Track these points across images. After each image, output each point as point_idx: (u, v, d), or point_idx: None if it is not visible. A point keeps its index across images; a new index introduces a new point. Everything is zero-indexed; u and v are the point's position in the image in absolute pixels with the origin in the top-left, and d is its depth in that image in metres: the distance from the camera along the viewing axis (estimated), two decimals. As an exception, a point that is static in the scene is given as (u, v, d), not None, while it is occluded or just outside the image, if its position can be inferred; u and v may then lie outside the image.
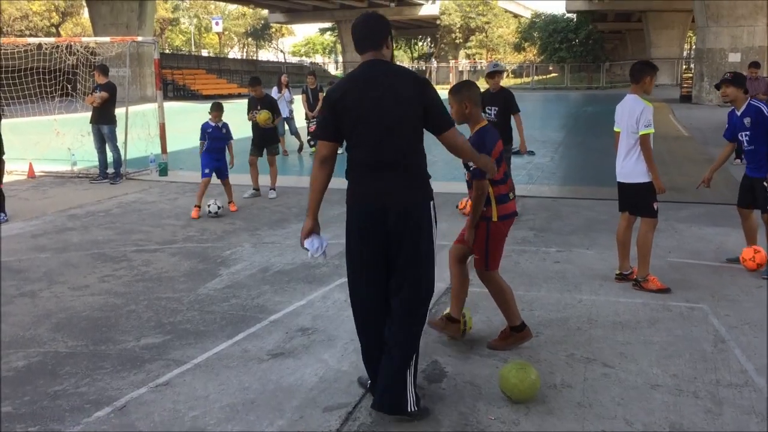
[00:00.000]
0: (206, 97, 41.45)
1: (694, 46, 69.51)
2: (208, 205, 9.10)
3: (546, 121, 24.84)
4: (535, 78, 56.91)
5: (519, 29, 64.37)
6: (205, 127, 9.60)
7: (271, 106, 10.69)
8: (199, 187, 9.52)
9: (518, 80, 61.57)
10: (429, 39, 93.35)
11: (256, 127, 10.52)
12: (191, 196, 10.53)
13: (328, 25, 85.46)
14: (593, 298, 5.82)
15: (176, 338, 5.05)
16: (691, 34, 61.77)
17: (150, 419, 3.89)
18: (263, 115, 10.27)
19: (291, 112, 15.92)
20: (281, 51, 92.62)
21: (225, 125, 9.74)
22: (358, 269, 3.95)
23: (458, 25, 61.79)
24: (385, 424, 3.80)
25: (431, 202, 3.86)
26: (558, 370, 4.45)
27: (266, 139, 10.58)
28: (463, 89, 4.60)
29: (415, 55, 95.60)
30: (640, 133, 5.97)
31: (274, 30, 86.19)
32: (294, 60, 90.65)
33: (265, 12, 73.65)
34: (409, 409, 3.79)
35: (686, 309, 5.55)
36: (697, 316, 5.40)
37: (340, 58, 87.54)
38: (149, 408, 4.01)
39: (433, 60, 75.29)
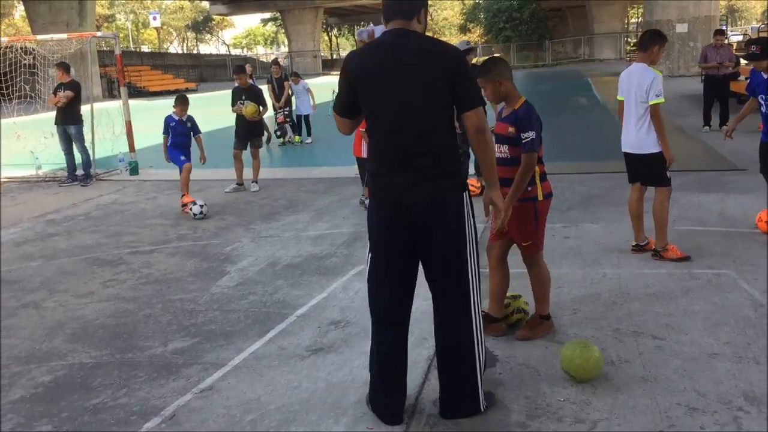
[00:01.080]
0: (154, 94, 40.64)
1: (638, 19, 70.80)
2: (191, 209, 8.74)
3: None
4: (482, 58, 57.03)
5: (464, 11, 64.50)
6: (168, 121, 9.22)
7: (257, 96, 10.39)
8: (181, 178, 9.22)
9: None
10: (372, 24, 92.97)
11: (241, 119, 10.22)
12: (170, 194, 10.24)
13: (270, 15, 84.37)
14: (617, 271, 5.78)
15: (205, 340, 4.83)
16: (634, 8, 62.89)
17: (205, 426, 3.69)
18: (250, 108, 9.97)
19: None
20: (225, 43, 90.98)
21: (190, 118, 9.39)
22: (383, 265, 3.58)
23: (403, 10, 61.53)
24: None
25: (465, 193, 3.49)
26: (609, 346, 4.38)
27: (252, 132, 10.29)
28: (492, 67, 4.39)
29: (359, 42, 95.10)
30: (651, 102, 5.90)
31: (216, 22, 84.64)
32: (236, 52, 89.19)
33: (205, 4, 72.16)
34: (482, 409, 3.64)
35: (713, 276, 5.54)
36: (726, 282, 5.39)
37: (283, 49, 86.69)
38: (201, 415, 3.80)
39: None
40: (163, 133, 9.20)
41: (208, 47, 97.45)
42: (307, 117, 15.91)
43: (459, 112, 3.42)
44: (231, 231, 7.97)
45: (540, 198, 4.44)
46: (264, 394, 3.99)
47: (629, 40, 52.59)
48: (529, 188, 4.41)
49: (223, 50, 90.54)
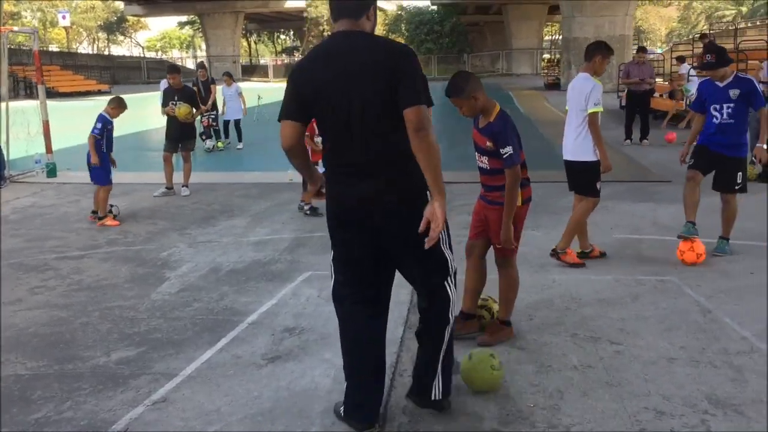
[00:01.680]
0: (64, 95, 39.01)
1: (551, 37, 73.05)
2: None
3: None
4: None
5: (386, 21, 64.93)
6: (105, 122, 8.57)
7: (191, 97, 10.05)
8: (101, 197, 8.37)
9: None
10: (292, 32, 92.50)
11: (172, 121, 9.85)
12: (92, 197, 9.73)
13: (186, 18, 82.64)
14: (565, 277, 5.83)
15: (151, 349, 4.57)
16: (548, 26, 64.79)
17: (163, 441, 3.47)
18: (183, 110, 9.62)
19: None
20: (139, 45, 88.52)
21: None
22: (347, 272, 3.44)
23: (326, 17, 61.45)
24: (423, 422, 3.57)
25: (426, 193, 3.18)
26: (569, 351, 4.38)
27: (184, 134, 9.92)
28: (465, 85, 4.24)
29: (279, 48, 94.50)
30: (589, 111, 5.98)
31: (131, 23, 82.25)
32: (150, 55, 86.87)
33: (119, 4, 70.14)
34: (432, 397, 3.56)
35: (658, 282, 5.65)
36: (671, 288, 5.51)
37: (200, 53, 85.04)
38: (156, 428, 3.58)
39: (296, 54, 74.71)
40: (97, 133, 8.34)
41: (121, 49, 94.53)
42: (237, 122, 15.42)
43: (400, 109, 3.12)
44: (165, 236, 7.66)
45: (518, 203, 4.43)
46: (223, 404, 3.79)
47: (545, 56, 54.16)
48: None
49: (136, 52, 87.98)
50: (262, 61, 79.40)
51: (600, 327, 4.75)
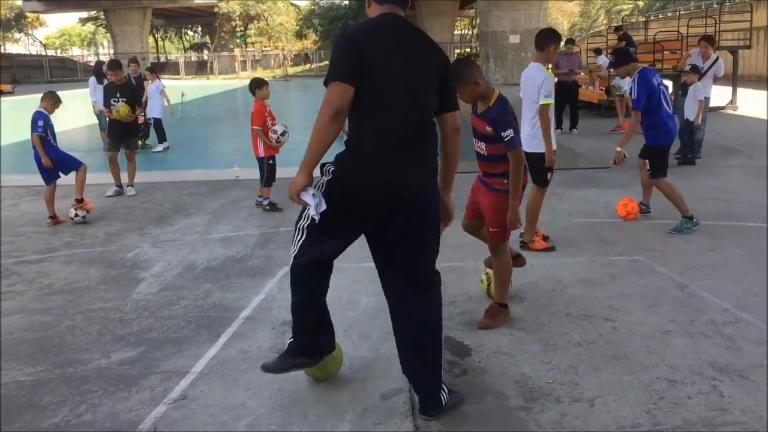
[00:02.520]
0: (-41, 95, 36.97)
1: (462, 31, 74.05)
2: (75, 213, 8.09)
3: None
4: (319, 65, 57.47)
5: (299, 17, 64.56)
6: (45, 118, 8.19)
7: (132, 93, 9.77)
8: (49, 195, 8.12)
9: (300, 68, 61.76)
10: (200, 28, 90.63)
11: (113, 120, 9.56)
12: (31, 200, 9.45)
13: (88, 14, 79.70)
14: (541, 261, 6.00)
15: (151, 349, 4.48)
16: (460, 20, 65.76)
17: (197, 437, 3.42)
18: (123, 110, 9.34)
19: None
20: (42, 43, 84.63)
21: None
22: (335, 232, 3.41)
23: (237, 13, 60.61)
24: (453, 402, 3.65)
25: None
26: (569, 329, 4.55)
27: (127, 132, 9.66)
28: (466, 71, 4.38)
29: (186, 45, 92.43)
30: (541, 102, 6.09)
31: (31, 20, 78.64)
32: (50, 53, 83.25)
33: (17, 1, 67.05)
34: (443, 403, 3.58)
35: (629, 262, 5.92)
36: (643, 267, 5.78)
37: (102, 50, 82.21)
38: (186, 425, 3.52)
39: (206, 50, 73.23)
40: (40, 132, 8.00)
41: (17, 47, 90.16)
42: (158, 122, 14.39)
43: (443, 110, 3.42)
44: (123, 236, 7.45)
45: None
46: (247, 399, 3.77)
47: (458, 51, 54.97)
48: (505, 181, 4.53)
49: (33, 50, 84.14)
50: (171, 57, 77.46)
51: (590, 306, 4.95)
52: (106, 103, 9.75)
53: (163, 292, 5.57)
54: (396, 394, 3.78)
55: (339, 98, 3.10)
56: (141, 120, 14.23)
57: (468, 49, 64.51)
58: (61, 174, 8.24)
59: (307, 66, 61.69)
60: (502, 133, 4.36)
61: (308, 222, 3.38)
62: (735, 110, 17.49)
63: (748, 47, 17.67)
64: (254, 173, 10.21)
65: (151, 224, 7.95)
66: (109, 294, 5.58)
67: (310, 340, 3.64)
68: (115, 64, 9.87)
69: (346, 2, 59.04)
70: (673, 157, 10.47)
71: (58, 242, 7.31)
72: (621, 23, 21.70)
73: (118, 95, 9.59)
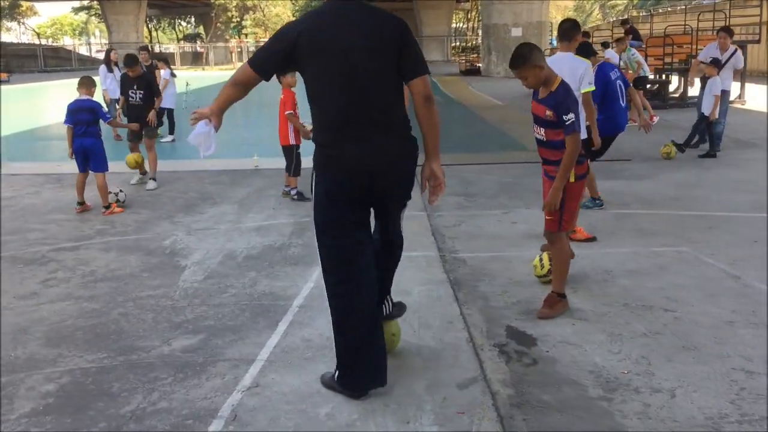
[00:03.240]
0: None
1: (461, 24, 73.93)
2: (117, 193, 8.13)
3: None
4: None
5: (297, 8, 64.21)
6: (97, 107, 8.07)
7: (149, 84, 9.65)
8: (104, 184, 7.98)
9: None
10: (194, 18, 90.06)
11: (132, 109, 9.48)
12: (51, 188, 9.40)
13: (80, 3, 79.18)
14: (584, 251, 5.94)
15: (212, 336, 4.43)
16: (455, 13, 65.61)
17: (279, 425, 3.38)
18: (130, 159, 9.29)
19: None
20: (36, 32, 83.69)
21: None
22: (343, 236, 3.53)
23: (234, 4, 60.23)
24: (530, 394, 3.63)
25: (417, 156, 3.51)
26: (631, 320, 4.53)
27: (145, 121, 9.52)
28: (529, 54, 4.33)
29: (180, 35, 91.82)
30: (583, 90, 6.14)
31: (24, 8, 77.92)
32: (43, 42, 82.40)
33: (11, -11, 66.44)
34: (385, 312, 3.84)
35: (675, 253, 5.90)
36: (690, 258, 5.77)
37: (95, 40, 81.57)
38: (266, 414, 3.48)
39: (199, 41, 72.77)
40: (108, 117, 8.08)
41: (9, 36, 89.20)
42: (171, 112, 14.31)
43: (405, 80, 3.39)
44: (155, 224, 7.38)
45: (572, 180, 4.53)
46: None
47: (455, 44, 55.02)
48: None
49: (25, 39, 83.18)
50: (165, 48, 76.91)
51: (646, 296, 4.93)
52: (124, 93, 9.65)
53: (209, 280, 5.51)
54: (472, 383, 3.74)
55: (241, 73, 3.47)
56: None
57: (466, 42, 64.48)
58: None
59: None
60: (564, 116, 4.35)
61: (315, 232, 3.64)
62: (743, 104, 17.51)
63: (758, 42, 17.69)
64: (273, 163, 10.26)
65: (180, 212, 7.88)
66: (154, 281, 5.52)
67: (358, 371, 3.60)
68: (131, 61, 9.65)
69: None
70: (697, 154, 10.51)
71: (90, 230, 7.23)
72: (627, 17, 21.63)
73: (135, 87, 9.47)
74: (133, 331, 4.54)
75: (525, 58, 4.33)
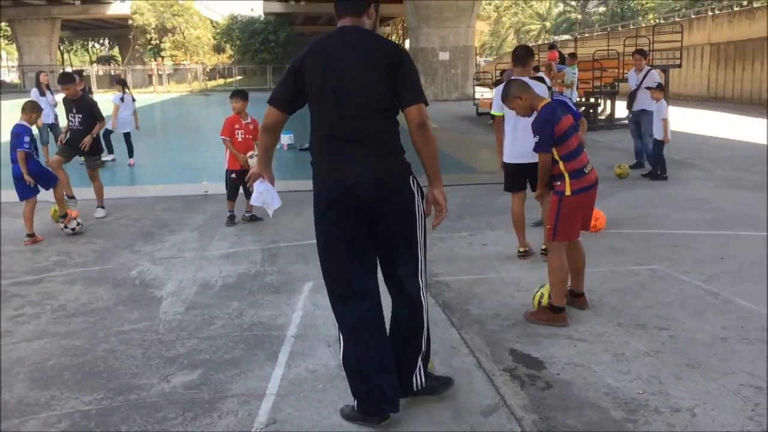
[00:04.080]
0: None
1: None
2: (65, 225, 7.72)
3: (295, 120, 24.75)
4: (238, 78, 56.71)
5: (217, 31, 63.53)
6: (30, 133, 7.77)
7: (89, 108, 9.05)
8: (29, 211, 7.67)
9: (215, 82, 60.76)
10: (108, 40, 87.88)
11: (71, 135, 8.95)
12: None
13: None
14: (564, 272, 6.04)
15: (211, 371, 4.26)
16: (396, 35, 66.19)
17: (309, 463, 3.26)
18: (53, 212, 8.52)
19: (56, 116, 13.91)
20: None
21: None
22: (342, 256, 3.52)
23: (153, 25, 59.04)
24: (555, 419, 3.63)
25: (410, 176, 3.52)
26: (629, 339, 4.60)
27: (87, 150, 8.97)
28: (508, 90, 4.97)
29: (94, 57, 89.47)
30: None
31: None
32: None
33: None
34: (414, 388, 3.67)
35: (649, 271, 6.05)
36: (665, 276, 5.92)
37: (4, 63, 78.38)
38: (292, 451, 3.35)
39: (113, 63, 70.98)
40: (26, 147, 7.56)
41: None
42: (128, 135, 13.89)
43: (400, 106, 3.45)
44: (116, 254, 7.09)
45: (567, 193, 4.73)
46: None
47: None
48: (558, 183, 4.83)
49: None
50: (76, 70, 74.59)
51: (636, 315, 5.03)
52: (66, 118, 9.16)
53: (191, 312, 5.31)
54: (495, 409, 3.72)
55: (266, 117, 3.61)
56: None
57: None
58: (40, 189, 7.78)
59: (222, 81, 60.82)
60: (534, 136, 4.82)
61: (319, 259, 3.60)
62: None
63: (679, 66, 18.53)
64: (222, 187, 10.05)
65: (138, 241, 7.60)
66: (133, 315, 5.29)
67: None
68: (65, 78, 9.05)
69: (267, 17, 58.41)
70: (641, 175, 10.88)
71: (46, 261, 6.88)
72: (554, 42, 22.35)
73: (74, 110, 8.96)
74: (125, 369, 4.32)
75: (506, 94, 4.99)
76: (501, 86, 6.11)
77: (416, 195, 3.54)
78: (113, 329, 4.99)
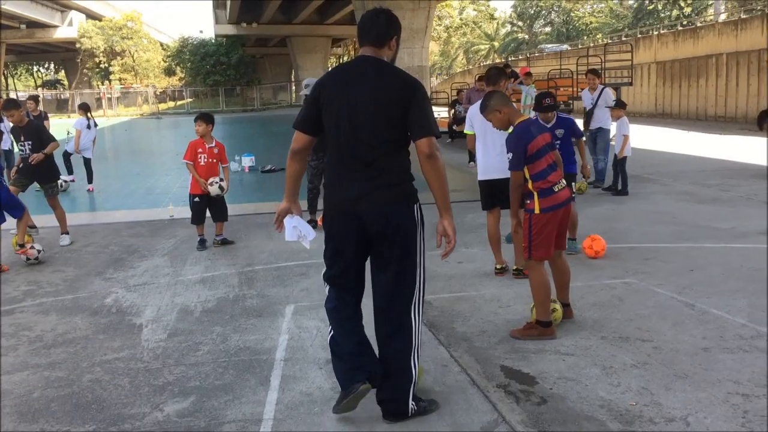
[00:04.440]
0: None
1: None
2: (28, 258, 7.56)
3: (255, 142, 24.72)
4: (189, 101, 56.27)
5: (168, 54, 62.94)
6: None
7: (38, 134, 8.75)
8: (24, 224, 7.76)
9: (165, 105, 60.18)
10: (53, 64, 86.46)
11: (23, 163, 8.72)
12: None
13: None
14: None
15: (204, 397, 4.21)
16: (332, 57, 66.50)
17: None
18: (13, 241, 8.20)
19: (12, 143, 13.57)
20: None
21: None
22: (341, 268, 3.77)
23: (102, 49, 58.22)
24: (554, 429, 3.68)
25: (415, 205, 3.70)
26: (615, 352, 4.69)
27: (42, 176, 8.77)
28: (488, 101, 5.05)
29: (39, 82, 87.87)
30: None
31: None
32: None
33: None
34: (410, 414, 3.78)
35: (624, 285, 6.19)
36: (641, 289, 6.05)
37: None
38: (298, 475, 3.33)
39: (58, 87, 69.80)
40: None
41: None
42: (88, 161, 13.77)
43: (412, 139, 3.61)
44: (87, 282, 6.96)
45: (536, 211, 4.85)
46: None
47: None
48: (528, 201, 4.95)
49: None
50: (21, 95, 73.14)
51: (618, 328, 5.13)
52: (16, 146, 8.89)
53: (174, 338, 5.24)
54: (495, 425, 3.75)
55: (294, 142, 3.76)
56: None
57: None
58: (6, 218, 7.60)
59: (173, 104, 60.31)
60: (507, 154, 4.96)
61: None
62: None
63: (630, 84, 19.03)
64: (187, 211, 10.00)
65: (109, 268, 7.47)
66: (114, 343, 5.19)
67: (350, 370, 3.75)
68: (9, 104, 8.78)
69: (219, 39, 58.13)
70: (602, 190, 11.12)
71: (15, 291, 6.72)
72: (507, 62, 22.74)
73: (22, 138, 8.71)
74: (114, 399, 4.23)
75: (485, 105, 5.06)
76: (475, 105, 6.24)
77: (418, 225, 3.71)
78: (96, 359, 4.89)
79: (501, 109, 4.99)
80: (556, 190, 4.93)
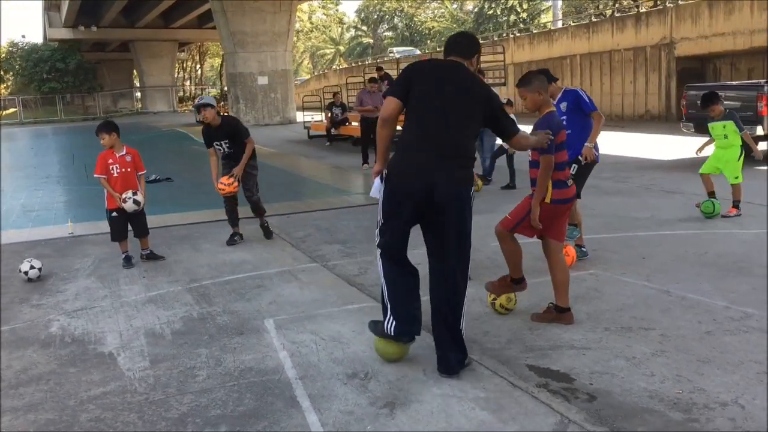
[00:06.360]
0: None
1: (182, 73, 72.26)
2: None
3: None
4: (15, 110, 52.20)
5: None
6: None
7: None
8: None
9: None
10: None
11: None
12: None
13: None
14: (534, 281, 6.01)
15: (235, 426, 3.83)
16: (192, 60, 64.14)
17: None
18: None
19: None
20: None
21: None
22: (396, 224, 4.30)
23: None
24: (624, 426, 3.65)
25: (473, 186, 4.30)
26: (629, 342, 4.74)
27: None
28: (533, 79, 4.99)
29: None
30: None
31: None
32: None
33: None
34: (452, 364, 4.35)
35: (592, 276, 6.32)
36: (610, 279, 6.19)
37: None
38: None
39: None
40: None
41: None
42: None
43: (506, 138, 4.62)
44: (14, 310, 6.21)
45: (547, 200, 4.91)
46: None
47: (180, 94, 53.83)
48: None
49: None
50: None
51: (615, 319, 5.22)
52: None
53: (160, 365, 4.76)
54: (565, 427, 3.67)
55: (386, 109, 4.26)
56: None
57: (181, 93, 63.29)
58: None
59: (11, 110, 55.81)
60: None
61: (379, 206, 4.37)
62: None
63: (504, 84, 19.72)
64: (90, 227, 9.42)
65: (32, 293, 6.72)
66: (93, 376, 4.64)
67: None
68: None
69: (52, 43, 54.41)
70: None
71: (-69, 327, 5.85)
72: (381, 65, 22.92)
73: None
74: (132, 438, 3.76)
75: (529, 82, 4.99)
76: None
77: (472, 200, 4.30)
78: (82, 395, 4.34)
79: (541, 92, 4.99)
80: (569, 184, 4.96)
